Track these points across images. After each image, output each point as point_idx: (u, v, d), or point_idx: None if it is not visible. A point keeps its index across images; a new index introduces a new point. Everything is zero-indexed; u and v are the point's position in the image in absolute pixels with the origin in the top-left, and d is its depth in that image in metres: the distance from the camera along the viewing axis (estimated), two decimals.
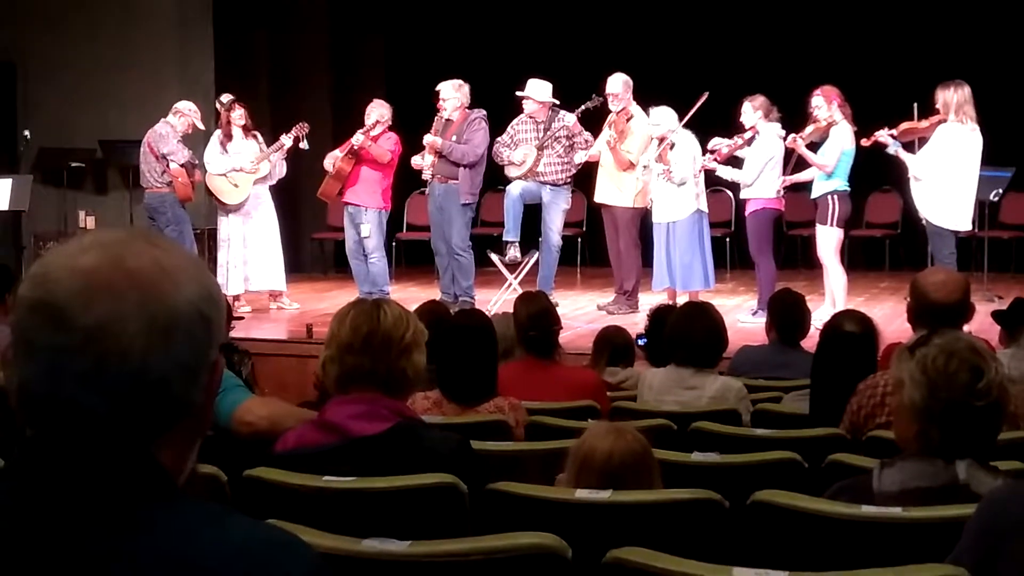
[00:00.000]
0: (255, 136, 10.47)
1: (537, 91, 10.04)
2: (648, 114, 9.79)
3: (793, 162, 9.37)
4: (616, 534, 2.59)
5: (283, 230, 10.74)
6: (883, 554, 2.58)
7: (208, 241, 11.41)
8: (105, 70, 11.82)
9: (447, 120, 10.01)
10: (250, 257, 10.34)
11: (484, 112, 10.02)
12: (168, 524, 1.24)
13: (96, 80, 11.84)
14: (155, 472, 1.28)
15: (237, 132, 10.34)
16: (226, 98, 10.40)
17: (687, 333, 5.02)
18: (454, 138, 9.89)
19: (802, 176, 9.33)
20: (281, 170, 10.50)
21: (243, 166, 10.22)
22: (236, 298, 10.15)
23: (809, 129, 9.21)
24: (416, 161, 10.11)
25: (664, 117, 9.61)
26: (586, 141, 10.05)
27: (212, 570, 1.22)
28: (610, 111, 10.02)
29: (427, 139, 9.96)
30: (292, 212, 12.34)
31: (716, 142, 9.57)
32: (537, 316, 5.28)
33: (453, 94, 9.97)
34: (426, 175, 10.11)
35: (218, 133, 10.41)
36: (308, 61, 13.62)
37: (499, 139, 10.15)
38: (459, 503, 3.02)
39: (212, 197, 10.41)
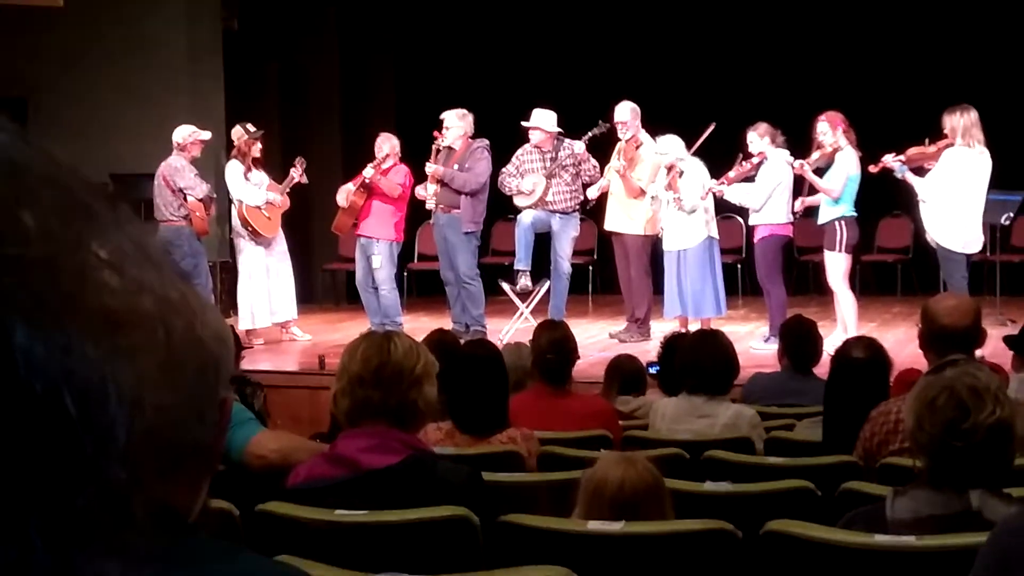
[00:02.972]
0: (262, 168, 10.51)
1: (545, 121, 10.07)
2: (656, 142, 9.82)
3: (807, 186, 9.39)
4: (629, 566, 2.59)
5: (295, 261, 10.78)
6: None
7: (221, 274, 11.43)
8: (116, 104, 11.88)
9: (449, 148, 10.05)
10: (273, 288, 10.35)
11: (487, 142, 10.05)
12: (177, 561, 1.24)
13: (107, 114, 11.89)
14: (163, 510, 1.28)
15: (250, 163, 10.37)
16: (252, 128, 10.42)
17: (697, 361, 5.02)
18: (456, 167, 9.92)
19: (814, 200, 9.34)
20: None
21: (274, 199, 10.27)
22: (249, 332, 10.15)
23: (816, 155, 9.23)
24: (420, 192, 10.14)
25: (671, 145, 9.64)
26: (594, 167, 10.07)
27: None
28: (618, 138, 10.05)
29: (429, 168, 10.00)
30: (304, 243, 12.36)
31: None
32: (558, 342, 5.29)
33: (457, 123, 10.01)
34: (429, 205, 10.14)
35: (237, 164, 10.38)
36: (318, 93, 13.68)
37: (504, 170, 10.17)
38: (471, 535, 3.02)
39: (248, 228, 10.33)
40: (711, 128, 9.60)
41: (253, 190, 10.27)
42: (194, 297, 0.85)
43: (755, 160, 9.50)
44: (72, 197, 0.73)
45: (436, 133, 10.10)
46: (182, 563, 1.19)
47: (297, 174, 10.39)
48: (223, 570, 1.25)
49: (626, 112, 9.99)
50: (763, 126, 9.53)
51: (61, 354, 0.68)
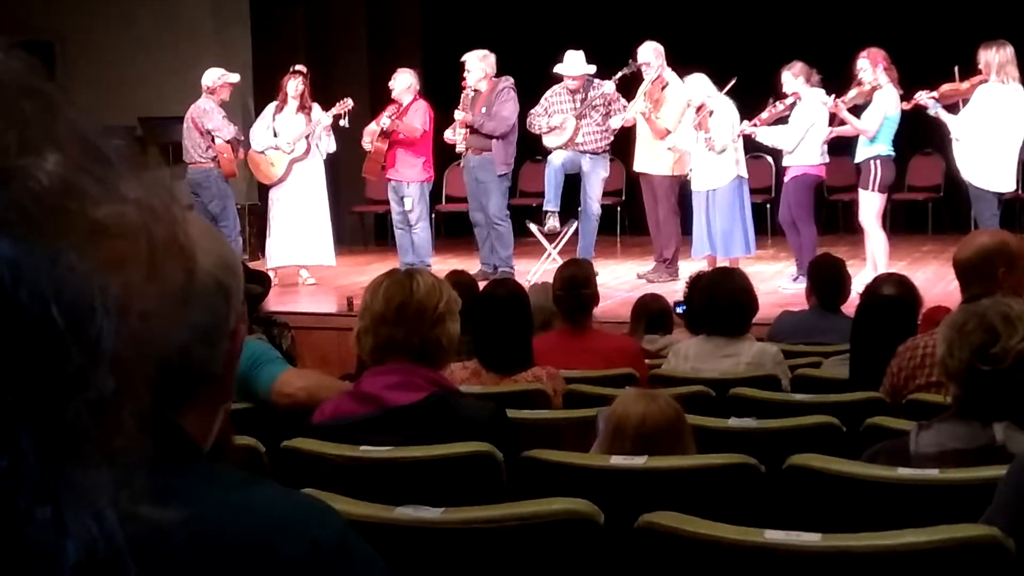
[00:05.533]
0: (308, 113, 10.31)
1: (580, 65, 9.96)
2: (683, 83, 9.72)
3: (838, 118, 9.30)
4: (652, 500, 2.59)
5: None
6: (920, 516, 2.57)
7: (249, 216, 11.46)
8: (143, 48, 11.88)
9: (475, 91, 9.99)
10: (291, 231, 10.30)
11: (511, 80, 9.98)
12: (192, 490, 1.25)
13: (134, 58, 11.90)
14: (178, 438, 1.29)
15: (291, 105, 10.26)
16: (298, 66, 10.38)
17: (711, 302, 5.01)
18: (484, 110, 9.87)
19: (846, 129, 9.25)
20: (329, 145, 10.43)
21: (280, 145, 10.21)
22: (274, 271, 10.16)
23: (852, 93, 9.13)
24: (448, 136, 10.11)
25: (700, 85, 9.55)
26: (623, 107, 10.01)
27: (235, 536, 1.23)
28: (643, 79, 9.97)
29: (458, 115, 9.96)
30: (332, 186, 12.35)
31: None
32: (568, 279, 5.29)
33: (478, 64, 9.94)
34: (460, 148, 10.12)
35: (273, 104, 10.37)
36: (345, 35, 13.62)
37: (533, 111, 10.10)
38: (495, 471, 3.03)
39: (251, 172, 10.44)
40: (732, 82, 9.50)
41: (260, 135, 10.25)
42: (179, 208, 0.85)
43: (788, 101, 9.40)
44: (55, 110, 0.73)
45: (463, 82, 10.03)
46: (185, 488, 1.19)
47: (328, 118, 10.22)
48: (230, 497, 1.25)
49: (649, 53, 9.90)
50: (798, 65, 9.42)
51: (48, 266, 0.68)
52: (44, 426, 0.69)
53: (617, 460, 2.94)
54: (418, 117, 10.07)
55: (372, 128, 10.21)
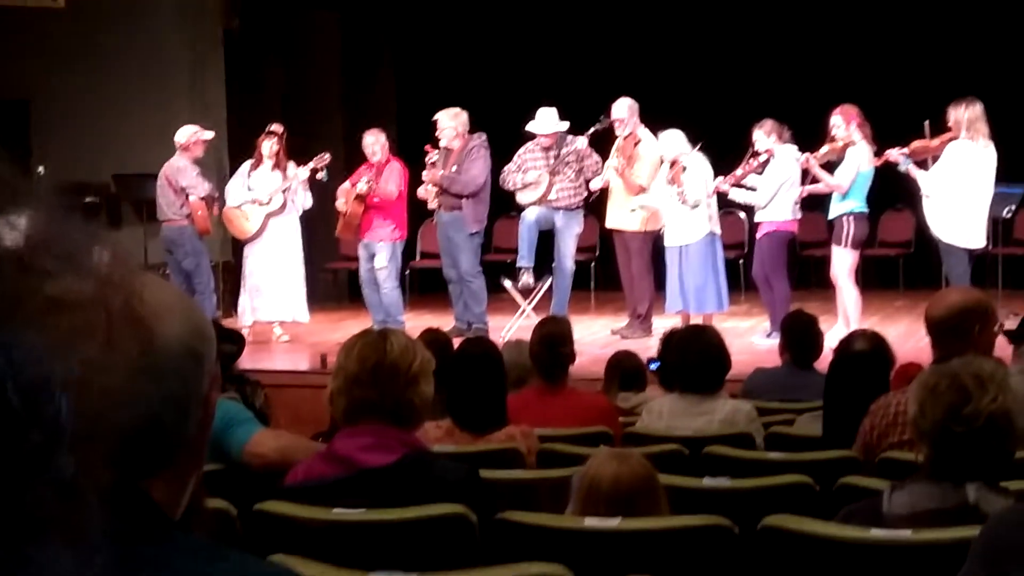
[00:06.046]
0: (283, 170, 10.29)
1: (552, 123, 10.00)
2: (657, 138, 9.79)
3: (810, 176, 9.38)
4: (626, 562, 2.59)
5: None
6: None
7: (223, 273, 11.43)
8: (118, 104, 11.88)
9: (446, 149, 10.02)
10: (254, 287, 10.28)
11: (484, 137, 10.01)
12: (159, 561, 1.23)
13: (109, 115, 11.90)
14: (146, 508, 1.27)
15: (267, 163, 10.25)
16: (273, 126, 10.40)
17: (684, 360, 5.02)
18: (455, 168, 9.89)
19: (819, 187, 9.32)
20: (306, 200, 10.43)
21: (258, 199, 10.21)
22: (248, 328, 10.13)
23: (824, 149, 9.20)
24: (421, 193, 10.13)
25: (674, 140, 9.61)
26: (596, 163, 10.03)
27: None
28: (616, 136, 10.03)
29: (425, 176, 9.99)
30: (305, 242, 12.36)
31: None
32: (546, 336, 5.29)
33: (449, 123, 9.96)
34: (432, 205, 10.13)
35: (248, 162, 10.39)
36: (320, 93, 13.67)
37: (507, 168, 10.13)
38: (469, 533, 3.02)
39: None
40: (700, 145, 9.58)
41: (236, 190, 10.27)
42: (137, 279, 0.84)
43: (762, 158, 9.47)
44: (11, 187, 0.73)
45: (428, 148, 10.07)
46: (152, 559, 1.18)
47: (305, 172, 10.21)
48: (197, 567, 1.24)
49: (623, 109, 9.96)
50: (768, 123, 9.50)
51: (3, 346, 0.67)
52: (3, 508, 0.68)
53: (591, 522, 2.93)
54: (393, 179, 10.07)
55: (346, 188, 10.20)
